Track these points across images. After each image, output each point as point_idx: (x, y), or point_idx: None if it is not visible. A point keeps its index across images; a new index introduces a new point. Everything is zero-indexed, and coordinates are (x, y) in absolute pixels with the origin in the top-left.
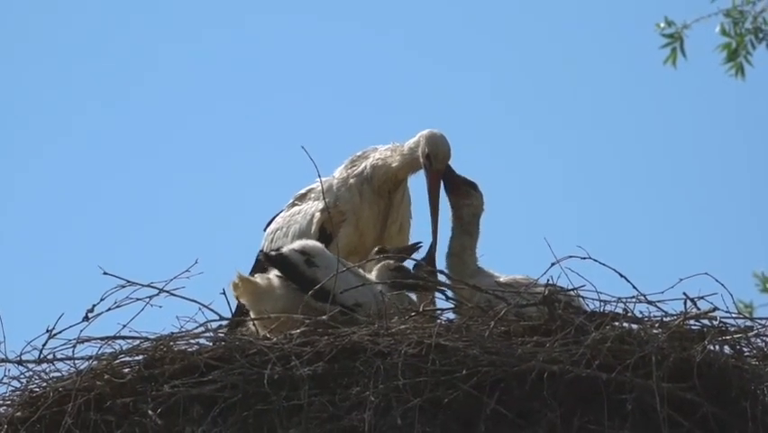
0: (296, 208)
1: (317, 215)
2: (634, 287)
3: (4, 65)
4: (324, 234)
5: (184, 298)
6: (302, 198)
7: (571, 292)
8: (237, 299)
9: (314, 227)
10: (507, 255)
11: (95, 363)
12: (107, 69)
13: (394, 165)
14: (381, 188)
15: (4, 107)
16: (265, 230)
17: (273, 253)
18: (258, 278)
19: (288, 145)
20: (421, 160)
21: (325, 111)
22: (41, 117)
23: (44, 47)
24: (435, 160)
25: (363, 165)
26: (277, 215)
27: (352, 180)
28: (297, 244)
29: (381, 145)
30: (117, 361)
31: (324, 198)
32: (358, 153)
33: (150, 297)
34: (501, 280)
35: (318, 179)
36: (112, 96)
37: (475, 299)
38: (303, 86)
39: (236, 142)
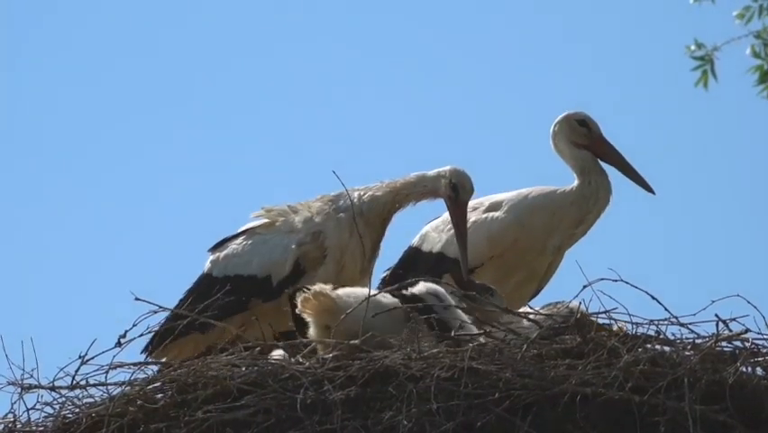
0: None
1: (293, 248)
2: (666, 309)
3: (29, 80)
4: (298, 269)
5: (216, 323)
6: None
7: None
8: (302, 312)
9: (289, 261)
10: None
11: (127, 388)
12: (128, 82)
13: (407, 194)
14: (374, 220)
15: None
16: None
17: (409, 294)
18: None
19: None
20: (444, 192)
21: (326, 113)
22: (85, 144)
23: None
24: (463, 190)
25: (356, 196)
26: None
27: (341, 215)
28: (429, 286)
29: (357, 186)
30: (150, 386)
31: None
32: (333, 193)
33: (183, 322)
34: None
35: (347, 195)
36: (133, 110)
37: (502, 320)
38: (304, 91)
39: (264, 164)
